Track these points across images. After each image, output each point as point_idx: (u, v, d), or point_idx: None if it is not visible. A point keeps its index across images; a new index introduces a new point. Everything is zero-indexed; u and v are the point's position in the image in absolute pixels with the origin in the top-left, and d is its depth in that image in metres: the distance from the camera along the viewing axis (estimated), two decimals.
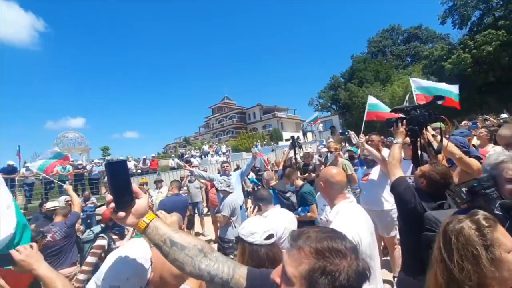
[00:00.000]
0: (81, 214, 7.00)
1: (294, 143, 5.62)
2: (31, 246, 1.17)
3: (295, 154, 5.61)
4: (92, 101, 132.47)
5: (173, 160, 14.75)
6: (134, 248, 1.24)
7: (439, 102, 2.38)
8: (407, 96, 7.81)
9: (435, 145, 2.27)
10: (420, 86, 6.15)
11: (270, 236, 1.47)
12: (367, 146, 3.63)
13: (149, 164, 12.99)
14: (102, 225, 3.37)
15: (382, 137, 4.45)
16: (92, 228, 3.80)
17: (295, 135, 7.41)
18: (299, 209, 3.56)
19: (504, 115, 9.44)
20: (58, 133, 16.27)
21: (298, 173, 4.95)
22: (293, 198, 3.81)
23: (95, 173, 11.75)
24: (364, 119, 5.63)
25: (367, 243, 1.55)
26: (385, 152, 4.21)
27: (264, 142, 26.31)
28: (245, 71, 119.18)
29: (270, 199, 2.58)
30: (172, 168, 13.52)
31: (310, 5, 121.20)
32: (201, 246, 0.87)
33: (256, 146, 18.24)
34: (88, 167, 12.27)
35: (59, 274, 1.17)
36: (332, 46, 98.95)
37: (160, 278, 1.37)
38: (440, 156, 2.28)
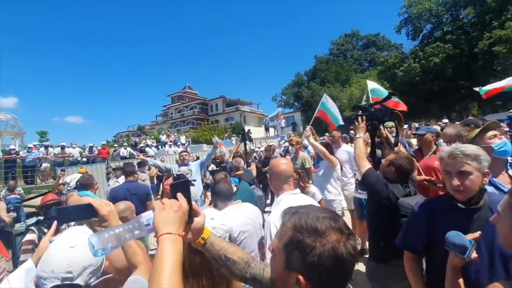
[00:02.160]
0: (6, 205, 6.09)
1: (245, 136, 5.66)
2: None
3: (245, 146, 5.63)
4: (27, 78, 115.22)
5: (125, 149, 13.56)
6: (85, 235, 1.09)
7: (393, 98, 2.62)
8: (364, 97, 8.36)
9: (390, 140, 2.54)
10: (374, 89, 6.68)
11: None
12: (311, 140, 3.83)
13: (96, 152, 11.76)
14: (39, 218, 2.95)
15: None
16: (26, 220, 3.44)
17: (254, 129, 7.47)
18: None
19: (445, 120, 10.56)
20: None
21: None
22: (258, 191, 3.70)
23: (30, 160, 10.25)
24: (315, 114, 5.85)
25: None
26: (344, 147, 4.44)
27: (226, 135, 25.94)
28: (210, 61, 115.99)
29: (229, 195, 2.23)
30: (124, 158, 12.43)
31: (277, 2, 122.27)
32: (247, 259, 0.98)
33: (221, 137, 17.85)
34: (22, 153, 10.66)
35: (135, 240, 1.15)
36: (297, 45, 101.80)
37: (115, 270, 1.24)
38: (396, 149, 2.48)
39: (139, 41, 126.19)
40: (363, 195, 3.81)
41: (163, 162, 7.41)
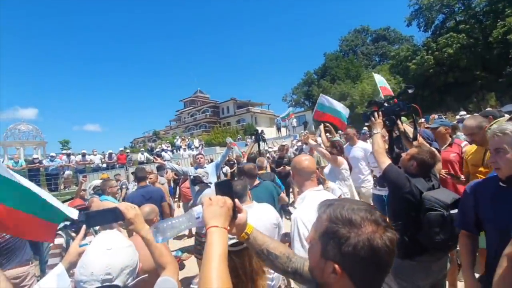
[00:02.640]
0: None
1: (258, 137, 5.68)
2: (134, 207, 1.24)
3: (259, 147, 5.66)
4: (46, 90, 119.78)
5: (142, 154, 13.96)
6: (119, 237, 1.18)
7: (410, 91, 2.68)
8: (381, 93, 8.21)
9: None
10: (381, 80, 6.75)
11: (237, 244, 1.36)
12: (310, 142, 3.92)
13: (115, 158, 12.18)
14: (66, 223, 3.06)
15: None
16: None
17: (266, 129, 7.51)
18: None
19: (463, 113, 10.22)
20: (5, 124, 14.57)
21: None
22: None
23: (53, 168, 10.70)
24: (312, 117, 5.90)
25: None
26: (360, 144, 4.41)
27: (238, 137, 26.08)
28: (219, 65, 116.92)
29: (242, 193, 2.16)
30: (141, 163, 12.78)
31: (284, 2, 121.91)
32: (288, 254, 1.03)
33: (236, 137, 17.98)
34: (45, 162, 11.14)
35: None
36: (306, 43, 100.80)
37: (147, 268, 1.30)
38: (415, 143, 2.41)
39: (151, 49, 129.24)
40: (383, 192, 3.75)
41: (179, 165, 7.58)
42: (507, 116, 2.79)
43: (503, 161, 1.31)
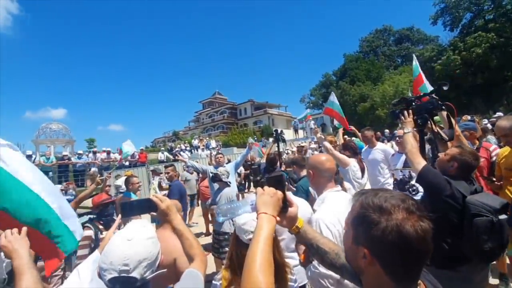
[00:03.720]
0: None
1: (278, 137, 5.67)
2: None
3: (278, 147, 5.65)
4: (74, 91, 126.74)
5: (163, 153, 14.43)
6: (143, 228, 1.17)
7: (445, 88, 2.43)
8: (409, 90, 7.96)
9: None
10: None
11: None
12: (319, 136, 3.80)
13: (137, 157, 12.63)
14: (91, 216, 3.22)
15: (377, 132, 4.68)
16: (79, 219, 3.63)
17: (284, 130, 7.51)
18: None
19: (500, 114, 9.59)
20: (37, 123, 15.57)
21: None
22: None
23: (80, 164, 11.29)
24: (322, 113, 5.89)
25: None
26: (379, 146, 4.29)
27: (255, 138, 26.18)
28: (237, 66, 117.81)
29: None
30: (161, 161, 13.20)
31: (303, 3, 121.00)
32: (337, 250, 1.04)
33: (254, 139, 18.14)
34: (73, 159, 11.78)
35: (188, 228, 1.27)
36: (324, 44, 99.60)
37: (168, 261, 1.32)
38: (449, 144, 2.28)
39: (172, 52, 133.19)
40: (406, 193, 3.66)
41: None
42: None
43: None
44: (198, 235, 6.45)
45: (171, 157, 13.11)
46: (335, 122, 6.47)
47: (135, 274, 1.03)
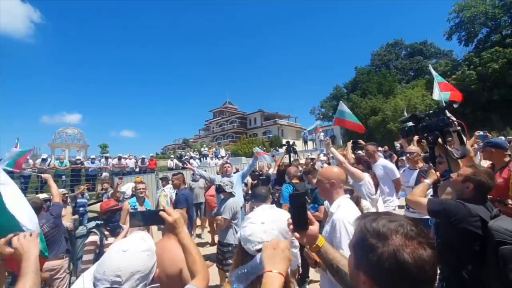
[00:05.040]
0: (78, 209, 6.87)
1: (289, 148, 5.65)
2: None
3: (290, 159, 5.60)
4: (89, 97, 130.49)
5: (172, 160, 14.58)
6: (140, 241, 1.17)
7: (455, 106, 2.55)
8: (404, 111, 7.96)
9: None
10: (438, 75, 6.42)
11: None
12: (332, 149, 3.69)
13: (147, 163, 12.82)
14: (98, 222, 3.25)
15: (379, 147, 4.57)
16: (86, 224, 3.71)
17: (293, 141, 7.48)
18: (309, 206, 3.40)
19: None
20: (54, 128, 16.09)
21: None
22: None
23: (92, 169, 11.52)
24: (333, 124, 5.88)
25: None
26: (381, 162, 4.20)
27: (264, 149, 26.19)
28: (249, 76, 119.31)
29: (265, 197, 2.69)
30: (171, 169, 13.32)
31: (315, 16, 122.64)
32: None
33: (260, 147, 18.14)
34: (86, 163, 12.06)
35: (195, 245, 1.27)
36: (335, 57, 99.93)
37: (165, 275, 1.31)
38: (460, 162, 2.21)
39: (184, 60, 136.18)
40: (415, 214, 3.51)
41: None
42: None
43: None
44: (203, 244, 6.42)
45: (180, 164, 13.22)
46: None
47: (127, 286, 1.02)
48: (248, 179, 9.44)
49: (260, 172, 9.83)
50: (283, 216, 2.48)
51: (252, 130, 42.17)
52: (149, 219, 1.30)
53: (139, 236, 1.20)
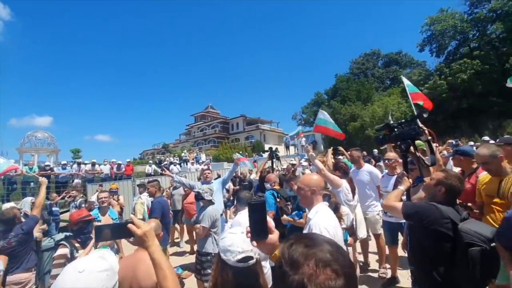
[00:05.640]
0: (52, 217, 6.43)
1: (272, 155, 5.62)
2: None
3: (272, 165, 5.57)
4: (61, 99, 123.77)
5: (150, 166, 14.07)
6: (99, 260, 1.11)
7: (425, 115, 2.53)
8: (389, 115, 8.36)
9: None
10: (409, 84, 6.71)
11: (246, 259, 1.27)
12: (312, 155, 3.77)
13: (123, 169, 12.24)
14: (67, 234, 3.06)
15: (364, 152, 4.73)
16: (53, 236, 3.44)
17: (276, 147, 7.50)
18: (294, 213, 3.36)
19: (486, 138, 10.00)
20: (22, 131, 15.11)
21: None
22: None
23: (63, 176, 10.88)
24: (313, 131, 6.11)
25: (340, 237, 1.77)
26: (366, 167, 4.28)
27: (241, 152, 26.16)
28: (231, 81, 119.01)
29: (247, 201, 2.70)
30: (149, 175, 12.86)
31: (297, 21, 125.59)
32: None
33: (240, 153, 18.05)
34: (56, 169, 11.36)
35: (167, 259, 1.21)
36: (317, 63, 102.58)
37: (149, 285, 1.27)
38: (432, 169, 2.31)
39: (164, 62, 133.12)
40: (393, 218, 3.60)
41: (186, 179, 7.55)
42: None
43: None
44: (182, 253, 6.22)
45: (159, 170, 12.79)
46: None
47: None
48: (230, 185, 9.33)
49: (244, 178, 9.75)
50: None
51: (235, 135, 42.04)
52: (116, 232, 1.21)
53: (99, 255, 1.12)
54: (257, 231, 1.01)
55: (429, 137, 2.20)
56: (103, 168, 11.83)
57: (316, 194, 1.90)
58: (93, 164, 11.61)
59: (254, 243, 1.01)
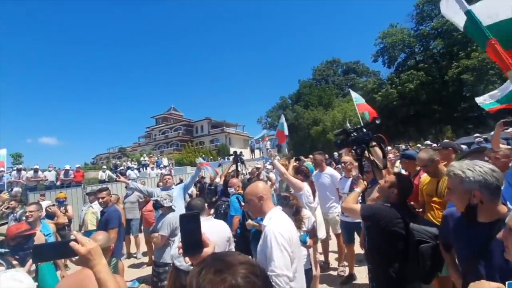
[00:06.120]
0: None
1: (237, 158, 5.58)
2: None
3: (237, 168, 5.53)
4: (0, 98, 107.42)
5: (104, 172, 12.93)
6: (11, 282, 1.04)
7: (377, 122, 2.73)
8: (347, 121, 8.97)
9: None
10: (357, 97, 7.34)
11: None
12: (275, 161, 3.87)
13: (72, 175, 11.06)
14: (1, 250, 2.69)
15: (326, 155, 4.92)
16: None
17: (242, 151, 7.57)
18: (259, 217, 3.32)
19: (428, 142, 11.07)
20: None
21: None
22: None
23: (1, 184, 9.57)
24: (275, 136, 6.36)
25: (296, 240, 1.79)
26: (328, 170, 4.44)
27: (211, 157, 25.72)
28: (196, 83, 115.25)
29: (202, 209, 2.60)
30: (102, 181, 11.82)
31: (263, 27, 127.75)
32: None
33: (203, 158, 17.65)
34: None
35: (112, 276, 1.09)
36: (282, 69, 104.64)
37: None
38: (384, 172, 2.45)
39: (121, 62, 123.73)
40: (349, 218, 3.76)
41: (144, 185, 7.13)
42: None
43: (452, 199, 1.43)
44: (139, 265, 5.82)
45: (114, 176, 11.89)
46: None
47: None
48: (193, 190, 9.04)
49: (210, 182, 9.53)
50: (220, 227, 2.52)
51: (199, 138, 41.15)
52: (57, 252, 1.07)
53: (9, 276, 1.02)
54: (190, 246, 0.94)
55: (381, 144, 2.36)
56: (47, 175, 10.62)
57: (264, 200, 1.86)
58: (36, 171, 10.35)
59: (187, 259, 0.94)
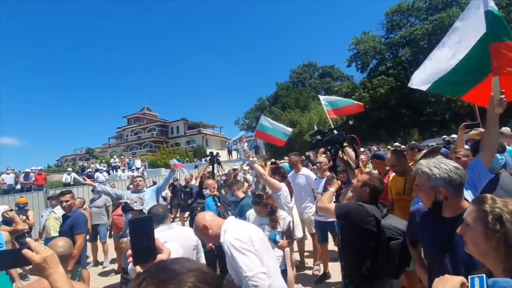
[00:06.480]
0: None
1: (213, 159, 5.48)
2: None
3: (213, 170, 5.44)
4: None
5: (69, 174, 12.10)
6: None
7: (350, 123, 2.90)
8: (315, 123, 9.25)
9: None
10: (328, 102, 7.35)
11: None
12: (254, 163, 3.79)
13: (33, 178, 10.34)
14: None
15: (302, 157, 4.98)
16: None
17: (219, 152, 7.44)
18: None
19: (397, 143, 11.64)
20: None
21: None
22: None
23: None
24: (253, 137, 6.39)
25: (259, 237, 1.81)
26: (303, 171, 4.50)
27: (187, 159, 25.15)
28: (171, 83, 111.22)
29: (162, 218, 2.42)
30: (67, 184, 11.06)
31: (241, 29, 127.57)
32: None
33: (177, 159, 17.19)
34: None
35: (71, 285, 1.05)
36: (259, 71, 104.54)
37: None
38: (356, 171, 2.53)
39: (91, 61, 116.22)
40: (322, 218, 3.82)
41: (114, 188, 6.77)
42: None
43: (419, 195, 1.48)
44: (107, 273, 5.50)
45: (80, 179, 11.16)
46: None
47: None
48: (167, 193, 8.73)
49: (186, 184, 9.26)
50: (185, 234, 2.44)
51: (175, 139, 40.08)
52: (8, 260, 0.99)
53: None
54: (142, 253, 0.84)
55: (354, 144, 2.42)
56: (5, 178, 9.76)
57: (210, 227, 1.82)
58: None
59: (138, 268, 0.83)
